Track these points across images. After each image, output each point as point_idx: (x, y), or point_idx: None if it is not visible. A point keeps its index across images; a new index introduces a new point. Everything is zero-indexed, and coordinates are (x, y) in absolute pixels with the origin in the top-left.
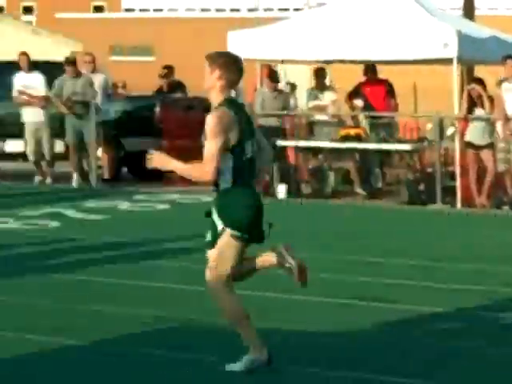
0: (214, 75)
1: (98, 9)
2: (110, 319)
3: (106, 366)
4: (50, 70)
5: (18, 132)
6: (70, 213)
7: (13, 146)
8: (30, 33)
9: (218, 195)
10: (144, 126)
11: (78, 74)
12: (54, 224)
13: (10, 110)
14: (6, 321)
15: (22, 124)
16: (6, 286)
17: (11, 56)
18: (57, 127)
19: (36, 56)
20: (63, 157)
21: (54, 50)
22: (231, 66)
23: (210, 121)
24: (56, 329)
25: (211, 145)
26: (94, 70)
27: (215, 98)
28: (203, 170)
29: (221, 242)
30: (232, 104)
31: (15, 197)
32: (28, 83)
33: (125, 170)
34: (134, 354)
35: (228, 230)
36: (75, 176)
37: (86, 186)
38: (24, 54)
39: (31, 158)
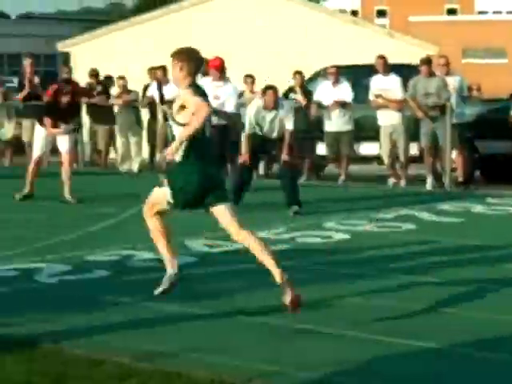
0: (177, 68)
1: (452, 11)
2: (459, 321)
3: (459, 368)
4: (406, 72)
5: (373, 135)
6: (424, 215)
7: (368, 148)
8: (385, 36)
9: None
10: (498, 129)
11: (432, 75)
12: (409, 226)
13: (365, 113)
14: (348, 320)
15: (378, 127)
16: (367, 286)
17: (368, 59)
18: (411, 130)
19: (392, 59)
20: (416, 159)
21: (410, 52)
22: (190, 59)
23: (187, 92)
24: (407, 330)
25: (195, 99)
26: (447, 73)
27: (181, 84)
28: (201, 111)
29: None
30: (192, 87)
31: (369, 200)
32: (385, 86)
33: (477, 173)
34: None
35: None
36: (429, 178)
37: (439, 189)
38: (381, 57)
39: (386, 160)
